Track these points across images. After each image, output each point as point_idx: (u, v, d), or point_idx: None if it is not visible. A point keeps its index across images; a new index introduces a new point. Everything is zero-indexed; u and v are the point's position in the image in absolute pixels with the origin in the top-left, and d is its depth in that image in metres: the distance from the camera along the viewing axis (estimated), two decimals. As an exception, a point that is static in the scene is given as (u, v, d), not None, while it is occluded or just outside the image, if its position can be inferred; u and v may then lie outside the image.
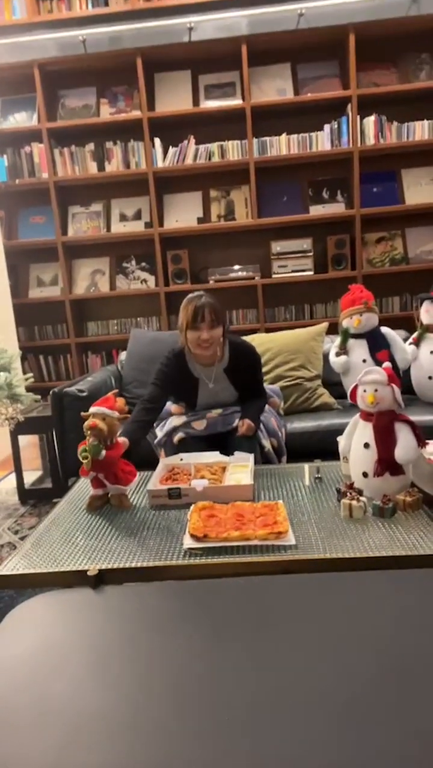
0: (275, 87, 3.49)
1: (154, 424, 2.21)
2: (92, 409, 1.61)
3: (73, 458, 2.41)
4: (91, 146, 3.54)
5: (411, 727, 0.75)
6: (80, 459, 1.54)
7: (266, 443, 2.00)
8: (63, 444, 2.47)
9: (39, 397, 2.85)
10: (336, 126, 3.38)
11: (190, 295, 2.01)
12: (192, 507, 1.46)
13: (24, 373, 3.25)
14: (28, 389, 2.80)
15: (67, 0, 3.33)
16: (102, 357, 3.82)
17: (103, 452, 1.55)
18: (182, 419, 2.04)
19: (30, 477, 2.87)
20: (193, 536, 1.31)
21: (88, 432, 1.54)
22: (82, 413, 1.62)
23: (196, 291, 2.04)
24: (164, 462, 1.82)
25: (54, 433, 2.54)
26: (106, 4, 3.31)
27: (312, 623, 1.00)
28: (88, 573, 1.20)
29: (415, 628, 0.97)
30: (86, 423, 1.56)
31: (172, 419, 2.09)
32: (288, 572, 1.21)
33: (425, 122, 3.35)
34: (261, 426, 2.02)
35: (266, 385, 2.33)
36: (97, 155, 3.55)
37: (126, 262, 3.77)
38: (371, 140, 3.37)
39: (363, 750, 0.72)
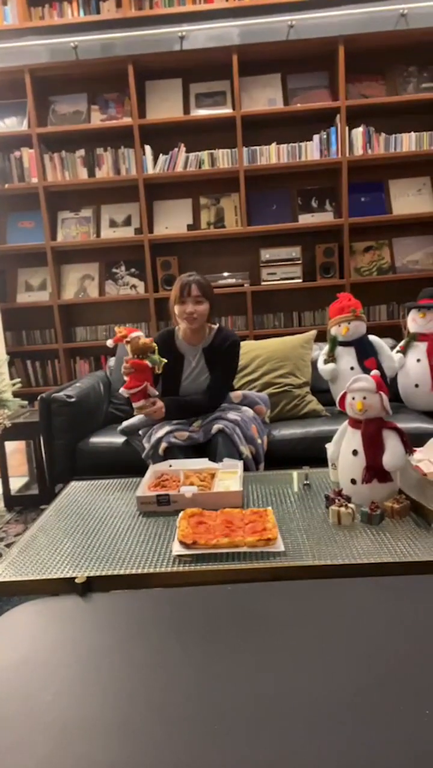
0: (265, 97, 3.52)
1: (140, 432, 2.22)
2: (128, 336, 1.93)
3: (61, 464, 2.41)
4: (81, 152, 3.54)
5: (401, 734, 0.76)
6: (154, 365, 1.93)
7: (244, 449, 2.02)
8: (50, 450, 2.45)
9: (26, 402, 2.84)
10: (325, 136, 3.42)
11: (181, 275, 2.18)
12: (181, 514, 1.45)
13: (11, 378, 3.23)
14: (15, 394, 2.78)
15: (58, 6, 3.34)
16: (90, 362, 3.80)
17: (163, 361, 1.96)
18: (165, 429, 2.05)
19: (16, 483, 2.85)
20: (182, 543, 1.30)
21: (147, 345, 1.93)
22: (119, 338, 1.95)
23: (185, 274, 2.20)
24: (153, 468, 1.82)
25: (41, 438, 2.52)
26: (98, 11, 3.33)
27: (301, 630, 1.01)
28: (76, 580, 1.19)
29: (403, 634, 0.98)
30: (139, 342, 1.91)
31: (156, 429, 2.10)
32: (277, 579, 1.21)
33: (412, 134, 3.40)
34: (240, 432, 2.04)
35: (253, 392, 2.35)
36: (87, 161, 3.55)
37: (115, 267, 3.76)
38: (359, 151, 3.42)
39: (355, 756, 0.73)
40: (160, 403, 2.04)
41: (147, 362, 1.91)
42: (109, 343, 1.96)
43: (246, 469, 2.00)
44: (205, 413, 2.13)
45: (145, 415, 2.06)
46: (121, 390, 1.99)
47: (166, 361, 1.97)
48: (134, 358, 1.92)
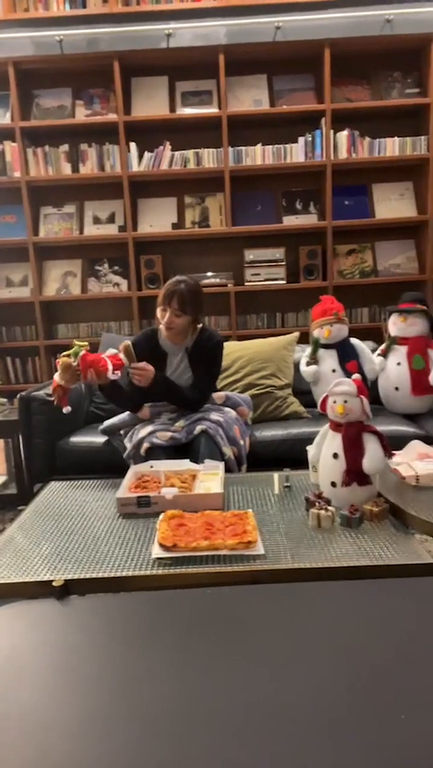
0: (251, 97, 3.53)
1: (122, 432, 2.21)
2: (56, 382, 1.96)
3: (40, 464, 2.38)
4: (65, 147, 3.50)
5: (382, 737, 0.76)
6: (76, 354, 1.91)
7: (227, 451, 2.02)
8: (29, 449, 2.42)
9: (5, 400, 2.80)
10: (310, 139, 3.43)
11: (175, 277, 2.12)
12: (161, 516, 1.45)
13: (-10, 375, 3.18)
14: (-5, 392, 2.74)
15: (44, -1, 3.29)
16: (72, 360, 3.76)
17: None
18: (148, 429, 2.04)
19: (-6, 482, 2.80)
20: (162, 546, 1.30)
21: (63, 363, 1.92)
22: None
23: (179, 276, 2.14)
24: (134, 469, 1.81)
25: (20, 437, 2.49)
26: (84, 5, 3.29)
27: (280, 633, 1.01)
28: (54, 584, 1.17)
29: (381, 637, 0.99)
30: (61, 368, 1.92)
31: (138, 429, 2.09)
32: (257, 582, 1.21)
33: (396, 139, 3.43)
34: (222, 433, 2.04)
35: (236, 394, 2.35)
36: (71, 156, 3.51)
37: (98, 265, 3.73)
38: (343, 154, 3.44)
39: (336, 761, 0.73)
40: (150, 368, 2.02)
41: (70, 360, 1.91)
42: (67, 409, 1.97)
43: (229, 470, 2.00)
44: (186, 409, 2.12)
45: (134, 374, 2.02)
46: (94, 386, 1.98)
47: (83, 344, 1.94)
48: (64, 374, 1.93)
